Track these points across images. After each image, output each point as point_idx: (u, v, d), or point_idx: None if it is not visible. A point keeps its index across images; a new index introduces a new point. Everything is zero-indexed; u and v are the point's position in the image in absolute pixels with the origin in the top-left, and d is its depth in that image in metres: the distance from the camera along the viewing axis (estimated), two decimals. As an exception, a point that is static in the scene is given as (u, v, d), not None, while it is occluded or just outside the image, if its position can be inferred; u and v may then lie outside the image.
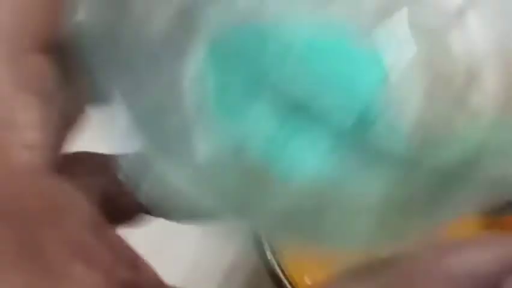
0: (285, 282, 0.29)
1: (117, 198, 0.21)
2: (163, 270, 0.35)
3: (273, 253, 0.29)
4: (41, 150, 0.17)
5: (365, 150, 0.18)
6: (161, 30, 0.18)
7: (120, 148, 0.19)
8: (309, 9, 0.19)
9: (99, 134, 0.19)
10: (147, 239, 0.27)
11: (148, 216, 0.23)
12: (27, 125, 0.17)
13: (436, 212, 0.19)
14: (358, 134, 0.19)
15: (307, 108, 0.19)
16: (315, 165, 0.18)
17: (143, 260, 0.19)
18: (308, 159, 0.18)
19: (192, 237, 0.34)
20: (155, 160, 0.19)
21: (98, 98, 0.19)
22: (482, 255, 0.17)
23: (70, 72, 0.19)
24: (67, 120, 0.19)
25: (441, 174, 0.18)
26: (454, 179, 0.18)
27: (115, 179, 0.20)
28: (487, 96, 0.19)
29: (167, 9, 0.18)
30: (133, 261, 0.18)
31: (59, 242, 0.16)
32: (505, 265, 0.17)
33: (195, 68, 0.18)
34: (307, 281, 0.31)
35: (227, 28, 0.19)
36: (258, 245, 0.29)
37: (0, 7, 0.17)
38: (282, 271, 0.29)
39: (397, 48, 0.20)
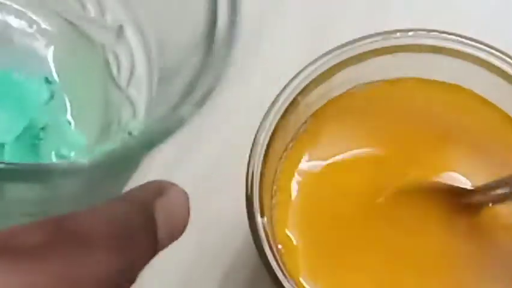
0: (285, 282, 0.29)
1: None
2: (163, 270, 0.35)
3: (273, 252, 0.29)
4: None
5: None
6: None
7: None
8: None
9: None
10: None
11: None
12: None
13: None
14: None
15: None
16: None
17: None
18: None
19: (191, 237, 0.34)
20: None
21: None
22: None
23: None
24: None
25: None
26: None
27: None
28: None
29: None
30: None
31: None
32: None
33: None
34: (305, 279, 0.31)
35: None
36: (258, 245, 0.29)
37: None
38: (282, 271, 0.29)
39: None
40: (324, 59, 0.32)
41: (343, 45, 0.32)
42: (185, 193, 0.22)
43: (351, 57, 0.32)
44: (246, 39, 0.25)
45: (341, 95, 0.33)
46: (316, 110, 0.33)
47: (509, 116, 0.33)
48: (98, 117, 0.29)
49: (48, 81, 0.30)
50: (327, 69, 0.32)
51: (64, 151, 0.29)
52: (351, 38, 0.32)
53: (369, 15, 0.40)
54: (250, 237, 0.29)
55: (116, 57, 0.30)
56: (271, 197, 0.32)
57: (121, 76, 0.30)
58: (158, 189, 0.21)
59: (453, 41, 0.32)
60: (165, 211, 0.21)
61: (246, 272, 0.36)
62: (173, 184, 0.22)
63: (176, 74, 0.26)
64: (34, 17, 0.31)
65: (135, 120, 0.29)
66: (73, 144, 0.29)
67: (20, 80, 0.30)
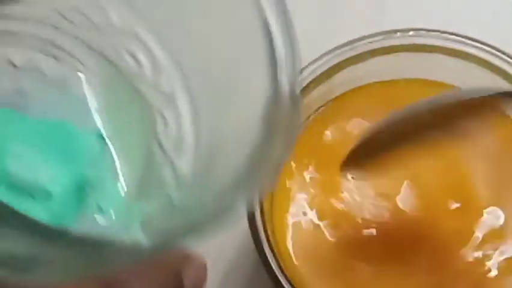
0: (285, 282, 0.29)
1: None
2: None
3: (272, 252, 0.29)
4: None
5: None
6: None
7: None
8: None
9: None
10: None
11: None
12: None
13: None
14: None
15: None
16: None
17: None
18: None
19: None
20: None
21: None
22: None
23: None
24: None
25: None
26: None
27: None
28: None
29: None
30: None
31: None
32: None
33: None
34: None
35: None
36: (257, 244, 0.29)
37: None
38: (282, 271, 0.29)
39: None
40: (324, 58, 0.32)
41: (343, 45, 0.32)
42: (205, 260, 0.25)
43: (351, 57, 0.32)
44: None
45: (341, 95, 0.33)
46: (317, 109, 0.33)
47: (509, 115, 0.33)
48: (138, 175, 0.29)
49: (99, 135, 0.30)
50: (328, 69, 0.32)
51: (104, 205, 0.29)
52: (351, 38, 0.32)
53: (369, 15, 0.40)
54: (250, 237, 0.29)
55: (165, 120, 0.29)
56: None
57: (167, 139, 0.29)
58: (183, 256, 0.25)
59: (453, 41, 0.32)
60: (191, 277, 0.25)
61: (246, 272, 0.36)
62: (193, 253, 0.25)
63: (228, 151, 0.24)
64: (91, 68, 0.30)
65: (178, 190, 0.28)
66: (113, 199, 0.29)
67: (73, 131, 0.29)
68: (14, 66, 0.29)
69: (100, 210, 0.28)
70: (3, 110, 0.29)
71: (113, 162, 0.29)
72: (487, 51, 0.32)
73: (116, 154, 0.29)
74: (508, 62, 0.32)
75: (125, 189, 0.29)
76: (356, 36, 0.32)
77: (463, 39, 0.32)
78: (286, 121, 0.22)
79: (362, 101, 0.33)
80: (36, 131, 0.29)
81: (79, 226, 0.27)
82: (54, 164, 0.29)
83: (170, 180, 0.28)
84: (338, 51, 0.32)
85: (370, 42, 0.32)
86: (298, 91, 0.23)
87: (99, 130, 0.30)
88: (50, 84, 0.30)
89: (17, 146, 0.28)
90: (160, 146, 0.29)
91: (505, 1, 0.41)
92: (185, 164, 0.28)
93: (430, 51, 0.32)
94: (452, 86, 0.33)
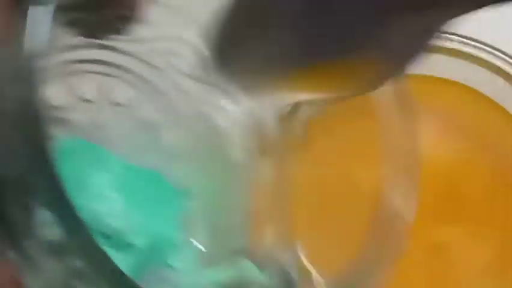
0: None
1: None
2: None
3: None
4: None
5: None
6: None
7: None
8: None
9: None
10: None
11: None
12: None
13: None
14: None
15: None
16: None
17: None
18: None
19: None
20: None
21: None
22: None
23: None
24: None
25: None
26: None
27: None
28: None
29: None
30: None
31: None
32: None
33: None
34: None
35: None
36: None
37: None
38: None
39: None
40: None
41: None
42: None
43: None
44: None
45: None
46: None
47: (509, 114, 0.33)
48: (220, 242, 0.28)
49: (187, 191, 0.29)
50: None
51: (176, 264, 0.28)
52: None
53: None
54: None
55: None
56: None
57: None
58: None
59: (453, 41, 0.32)
60: None
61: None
62: None
63: None
64: (182, 114, 0.29)
65: (261, 277, 0.28)
66: (186, 260, 0.28)
67: (166, 186, 0.28)
68: (87, 100, 0.28)
69: (171, 268, 0.28)
70: (83, 142, 0.28)
71: (197, 223, 0.28)
72: (487, 51, 0.32)
73: (201, 216, 0.28)
74: (508, 62, 0.32)
75: (202, 252, 0.28)
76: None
77: (463, 39, 0.32)
78: None
79: (362, 101, 0.33)
80: (123, 174, 0.28)
81: (146, 280, 0.27)
82: (139, 214, 0.27)
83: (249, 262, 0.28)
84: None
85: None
86: None
87: (188, 191, 0.29)
88: (137, 124, 0.29)
89: (102, 187, 0.27)
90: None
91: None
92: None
93: (430, 51, 0.32)
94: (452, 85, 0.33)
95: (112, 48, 0.28)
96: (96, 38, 0.26)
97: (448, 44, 0.32)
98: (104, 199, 0.27)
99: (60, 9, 0.20)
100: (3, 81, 0.19)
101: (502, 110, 0.33)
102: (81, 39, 0.26)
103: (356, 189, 0.28)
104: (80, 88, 0.28)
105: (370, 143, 0.27)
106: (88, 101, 0.28)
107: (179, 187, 0.28)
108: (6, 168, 0.19)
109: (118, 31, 0.25)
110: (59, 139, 0.27)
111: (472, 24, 0.38)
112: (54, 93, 0.27)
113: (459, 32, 0.32)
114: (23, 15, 0.19)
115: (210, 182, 0.29)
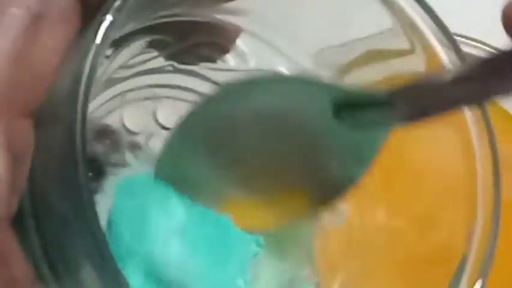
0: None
1: None
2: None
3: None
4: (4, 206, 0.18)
5: None
6: None
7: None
8: None
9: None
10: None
11: None
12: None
13: None
14: None
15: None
16: None
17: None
18: None
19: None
20: None
21: None
22: None
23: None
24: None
25: None
26: None
27: None
28: None
29: None
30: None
31: None
32: None
33: None
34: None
35: None
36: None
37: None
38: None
39: None
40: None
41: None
42: None
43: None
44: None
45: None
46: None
47: (509, 114, 0.33)
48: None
49: (258, 241, 0.27)
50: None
51: None
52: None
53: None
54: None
55: None
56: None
57: None
58: None
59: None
60: None
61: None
62: None
63: None
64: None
65: None
66: None
67: (232, 231, 0.27)
68: (165, 127, 0.28)
69: None
70: (147, 179, 0.26)
71: (266, 274, 0.27)
72: (487, 51, 0.32)
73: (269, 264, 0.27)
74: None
75: None
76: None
77: (463, 39, 0.32)
78: None
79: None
80: (190, 217, 0.26)
81: None
82: (203, 263, 0.26)
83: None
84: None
85: (371, 43, 0.32)
86: None
87: (259, 236, 0.27)
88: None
89: (164, 230, 0.25)
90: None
91: (506, 1, 0.41)
92: None
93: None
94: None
95: (196, 75, 0.27)
96: (182, 63, 0.26)
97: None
98: (165, 244, 0.25)
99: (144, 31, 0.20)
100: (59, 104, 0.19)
101: (502, 110, 0.33)
102: (162, 63, 0.26)
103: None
104: (159, 114, 0.27)
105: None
106: (166, 128, 0.28)
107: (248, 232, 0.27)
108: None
109: (207, 59, 0.25)
110: (124, 175, 0.27)
111: (471, 24, 0.38)
112: (133, 118, 0.27)
113: (459, 32, 0.32)
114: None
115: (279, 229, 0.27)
